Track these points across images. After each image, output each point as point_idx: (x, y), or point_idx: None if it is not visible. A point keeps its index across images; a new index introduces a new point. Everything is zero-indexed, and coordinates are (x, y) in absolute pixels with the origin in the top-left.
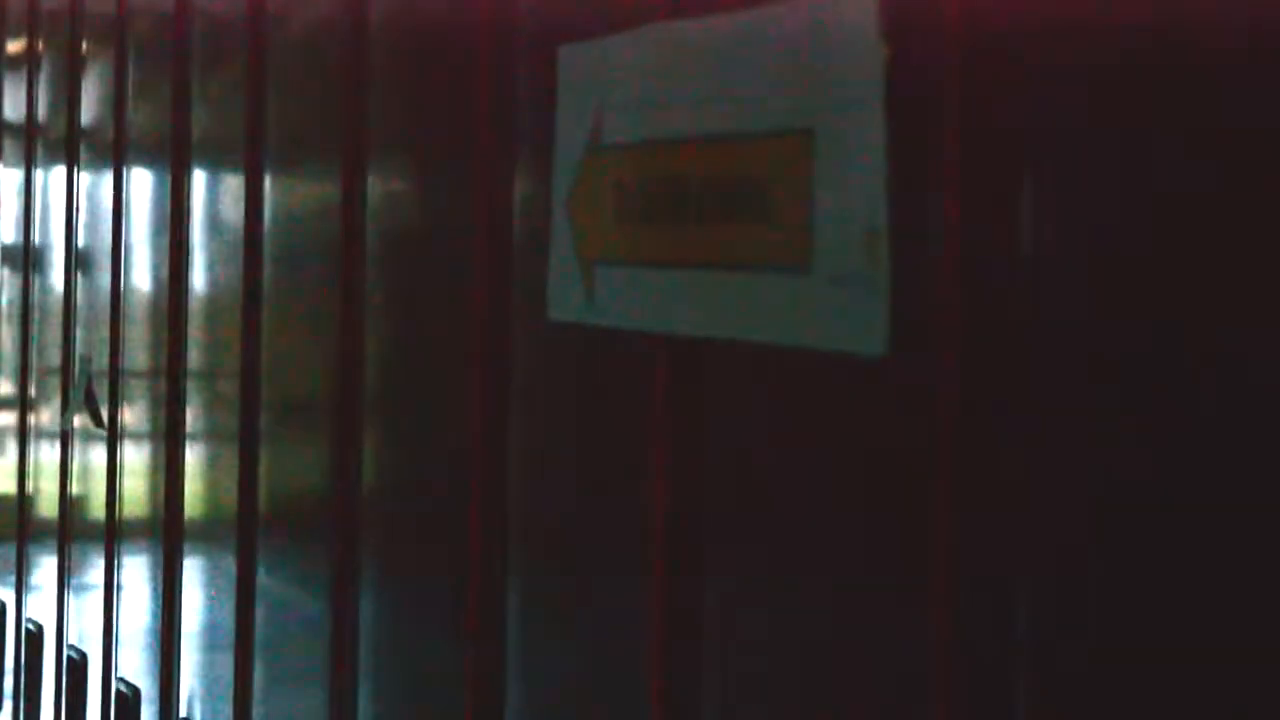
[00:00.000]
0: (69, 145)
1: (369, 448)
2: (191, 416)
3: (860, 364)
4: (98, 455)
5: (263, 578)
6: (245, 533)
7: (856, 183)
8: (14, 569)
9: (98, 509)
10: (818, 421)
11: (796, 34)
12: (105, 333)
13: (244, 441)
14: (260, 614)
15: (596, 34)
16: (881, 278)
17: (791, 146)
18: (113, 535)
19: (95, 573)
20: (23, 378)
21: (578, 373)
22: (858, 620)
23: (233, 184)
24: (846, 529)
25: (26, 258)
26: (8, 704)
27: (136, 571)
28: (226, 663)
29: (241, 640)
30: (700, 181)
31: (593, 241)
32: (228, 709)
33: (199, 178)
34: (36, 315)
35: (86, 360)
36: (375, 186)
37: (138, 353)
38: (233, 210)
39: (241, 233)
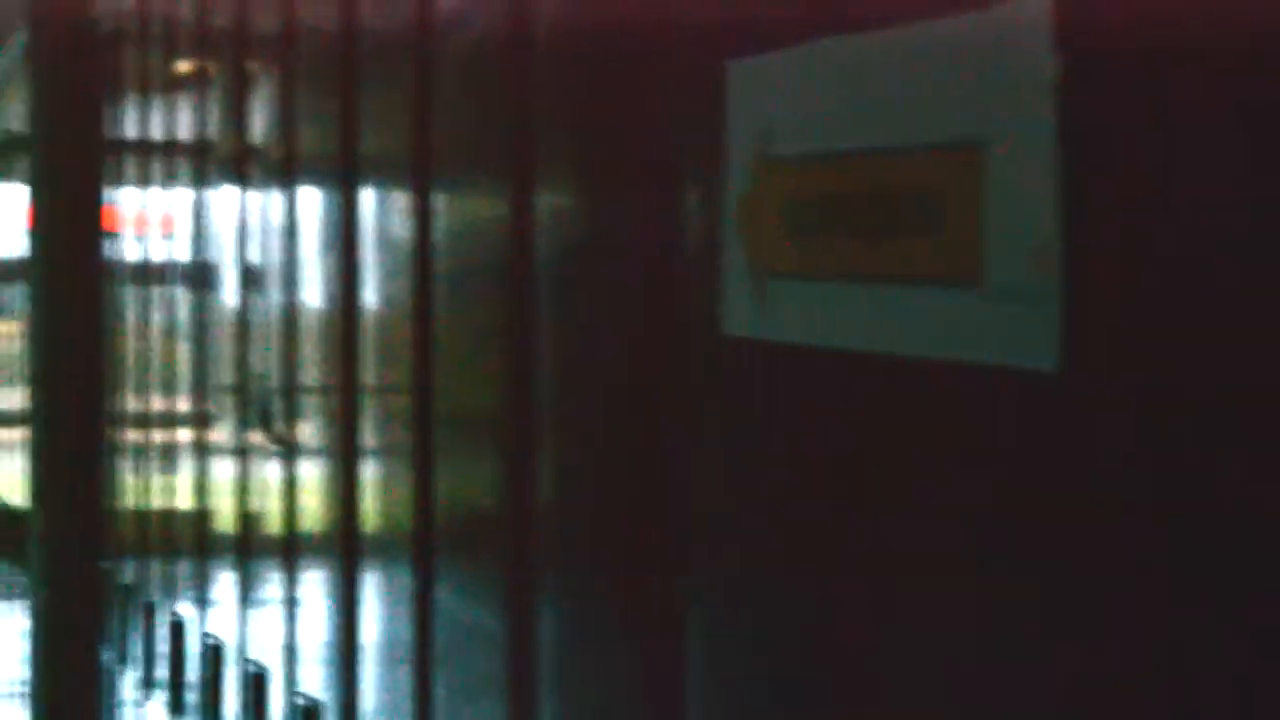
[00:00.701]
0: (239, 165)
1: (543, 462)
2: (366, 432)
3: (1031, 378)
4: (274, 471)
5: (439, 592)
6: (421, 547)
7: (1027, 194)
8: (195, 585)
9: (275, 525)
10: (987, 436)
11: (966, 46)
12: (280, 350)
13: (418, 457)
14: (437, 628)
15: (765, 49)
16: (1053, 291)
17: (961, 159)
18: (290, 551)
19: (273, 588)
20: (200, 395)
21: (750, 386)
22: (1033, 634)
23: (402, 201)
24: (1018, 544)
25: (201, 277)
26: (191, 718)
27: (314, 586)
28: (405, 676)
29: (420, 654)
30: (870, 195)
31: (764, 255)
32: None
33: (367, 195)
34: (212, 333)
35: (262, 378)
36: (544, 202)
37: (312, 370)
38: (402, 227)
39: (411, 249)
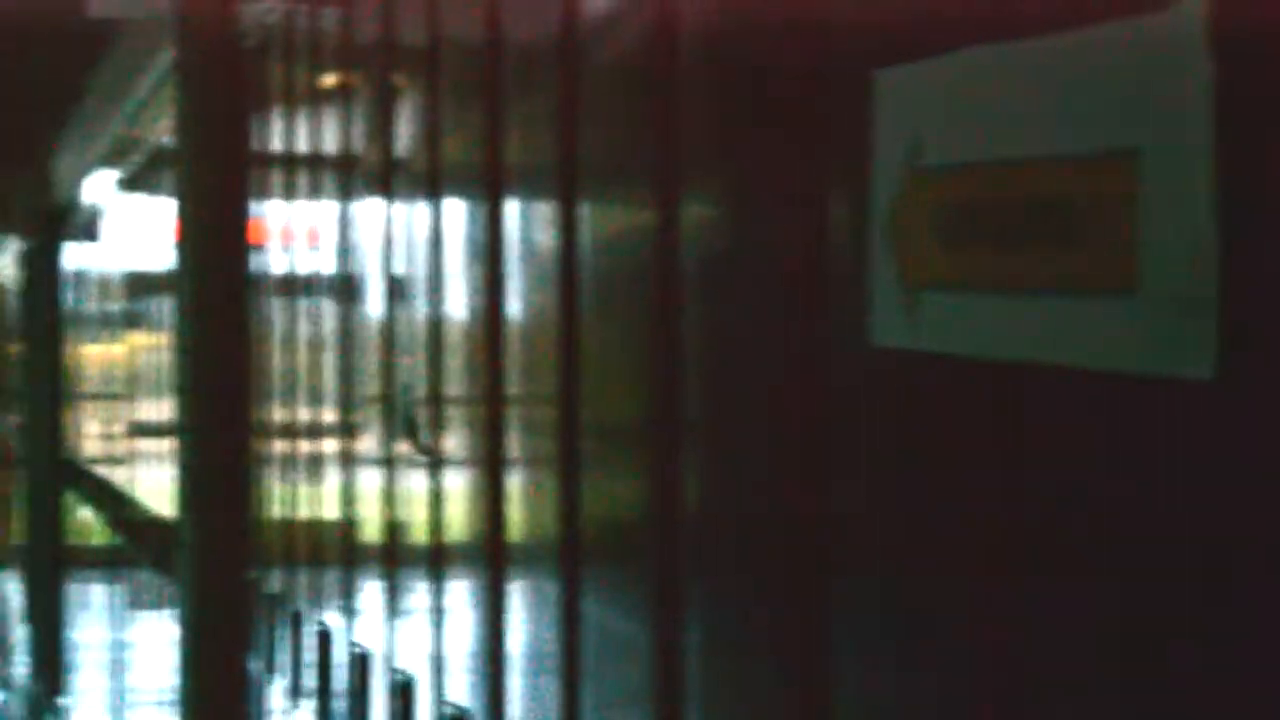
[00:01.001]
0: (384, 177)
1: (689, 471)
2: (511, 442)
3: (1187, 387)
4: (419, 482)
5: (585, 601)
6: (568, 557)
7: (1183, 201)
8: (341, 594)
9: (420, 535)
10: (1143, 446)
11: (1121, 53)
12: (425, 361)
13: (564, 466)
14: (583, 637)
15: (915, 57)
16: (1210, 299)
17: (1116, 166)
18: (436, 560)
19: (419, 597)
20: (345, 406)
21: (898, 396)
22: (1190, 643)
23: (546, 211)
24: (1175, 556)
25: (346, 289)
26: None
27: (460, 596)
28: (551, 686)
29: (567, 664)
30: (1023, 203)
31: (914, 265)
32: None
33: (512, 205)
34: (357, 345)
35: (407, 388)
36: (691, 211)
37: (457, 380)
38: (547, 237)
39: (557, 259)
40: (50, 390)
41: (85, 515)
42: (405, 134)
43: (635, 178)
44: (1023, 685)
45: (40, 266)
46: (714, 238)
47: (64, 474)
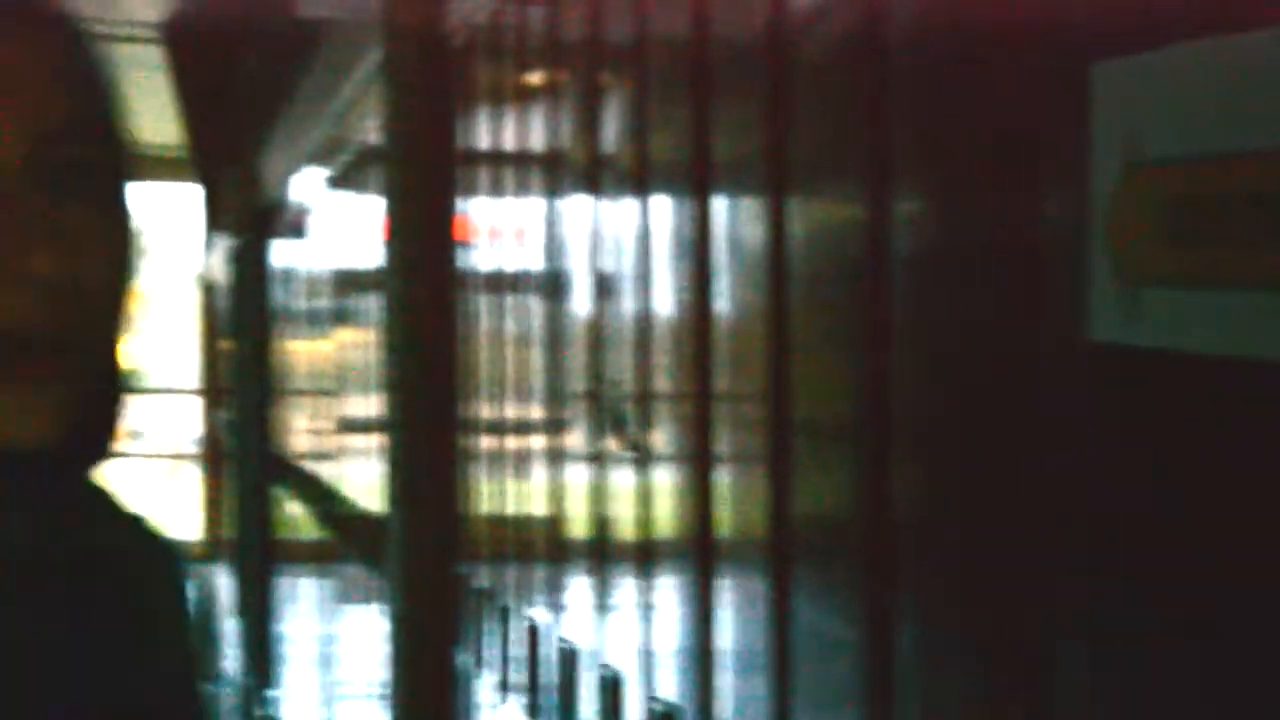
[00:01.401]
0: (591, 173)
1: (900, 469)
2: (721, 439)
3: None
4: (626, 478)
5: (794, 599)
6: (779, 555)
7: None
8: (550, 590)
9: (628, 531)
10: None
11: None
12: (633, 357)
13: (774, 465)
14: (793, 636)
15: (1133, 49)
16: None
17: None
18: (644, 557)
19: (626, 593)
20: (553, 402)
21: (1117, 393)
22: None
23: (754, 207)
24: None
25: (553, 285)
26: (546, 719)
27: (667, 593)
28: (761, 685)
29: (778, 662)
30: (1249, 199)
31: (1135, 261)
32: None
33: (720, 201)
34: (564, 341)
35: (615, 385)
36: (901, 207)
37: (664, 377)
38: (756, 232)
39: (766, 254)
40: (259, 386)
41: (294, 510)
42: (612, 130)
43: (845, 173)
44: (1257, 693)
45: (249, 264)
46: (926, 234)
47: (273, 469)
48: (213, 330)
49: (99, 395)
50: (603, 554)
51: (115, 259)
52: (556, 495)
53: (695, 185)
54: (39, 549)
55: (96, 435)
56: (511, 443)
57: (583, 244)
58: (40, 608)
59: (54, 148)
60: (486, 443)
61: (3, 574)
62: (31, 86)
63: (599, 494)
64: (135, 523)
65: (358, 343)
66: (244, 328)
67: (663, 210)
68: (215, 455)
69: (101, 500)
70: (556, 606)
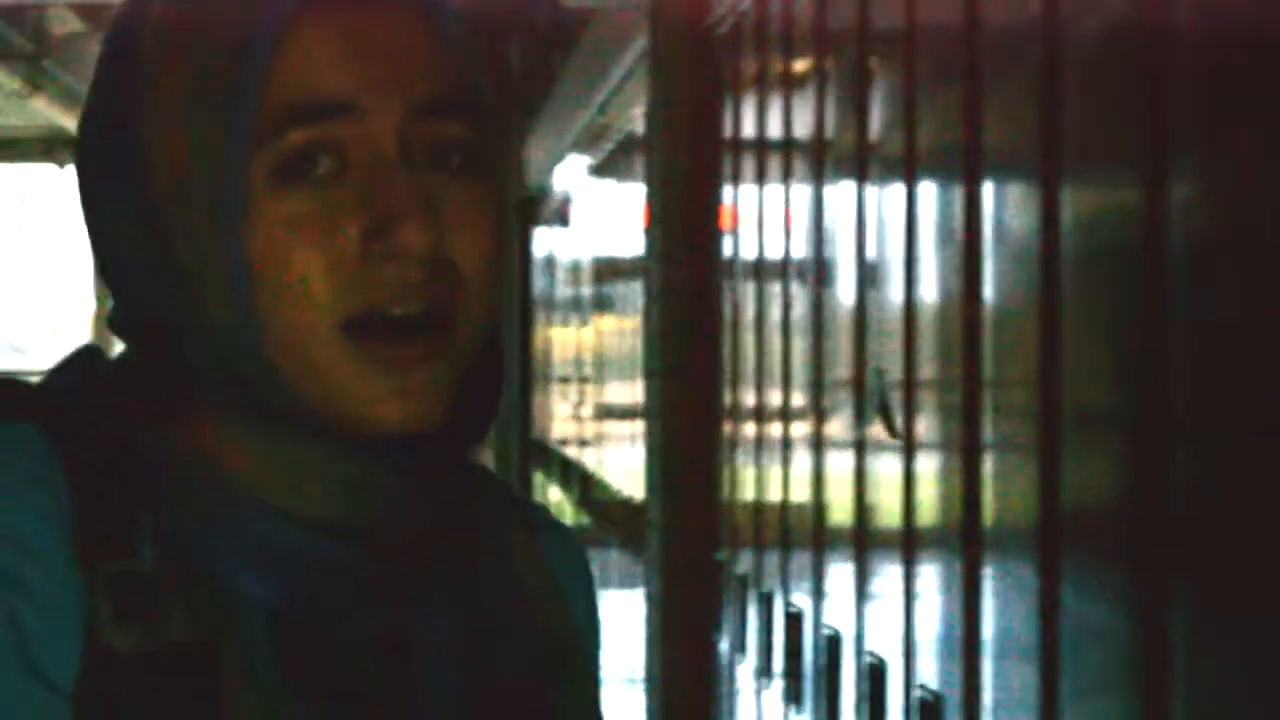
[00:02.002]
0: (857, 161)
1: (1172, 459)
2: (987, 427)
3: None
4: (889, 465)
5: (1060, 586)
6: (1046, 543)
7: None
8: (811, 576)
9: (891, 518)
10: None
11: None
12: (898, 345)
13: (1043, 453)
14: (1060, 623)
15: None
16: None
17: None
18: (909, 544)
19: (889, 580)
20: (816, 389)
21: None
22: None
23: (1024, 194)
24: None
25: (817, 272)
26: (808, 706)
27: (931, 580)
28: (1027, 672)
29: (1045, 651)
30: None
31: None
32: (1034, 718)
33: (989, 188)
34: (827, 329)
35: (880, 372)
36: (1176, 193)
37: (930, 364)
38: (1025, 220)
39: (1035, 243)
40: (521, 372)
41: (554, 495)
42: (880, 118)
43: (1118, 160)
44: None
45: (512, 252)
46: (1200, 221)
47: (533, 454)
48: None
49: (480, 373)
50: (865, 540)
51: (491, 235)
52: (818, 481)
53: (964, 172)
54: (445, 530)
55: (478, 414)
56: (773, 429)
57: (848, 231)
58: (444, 590)
59: (432, 122)
60: (748, 429)
61: (406, 556)
62: (410, 59)
63: (862, 480)
64: (534, 506)
65: (618, 330)
66: (506, 314)
67: (930, 197)
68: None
69: (494, 480)
70: (818, 593)
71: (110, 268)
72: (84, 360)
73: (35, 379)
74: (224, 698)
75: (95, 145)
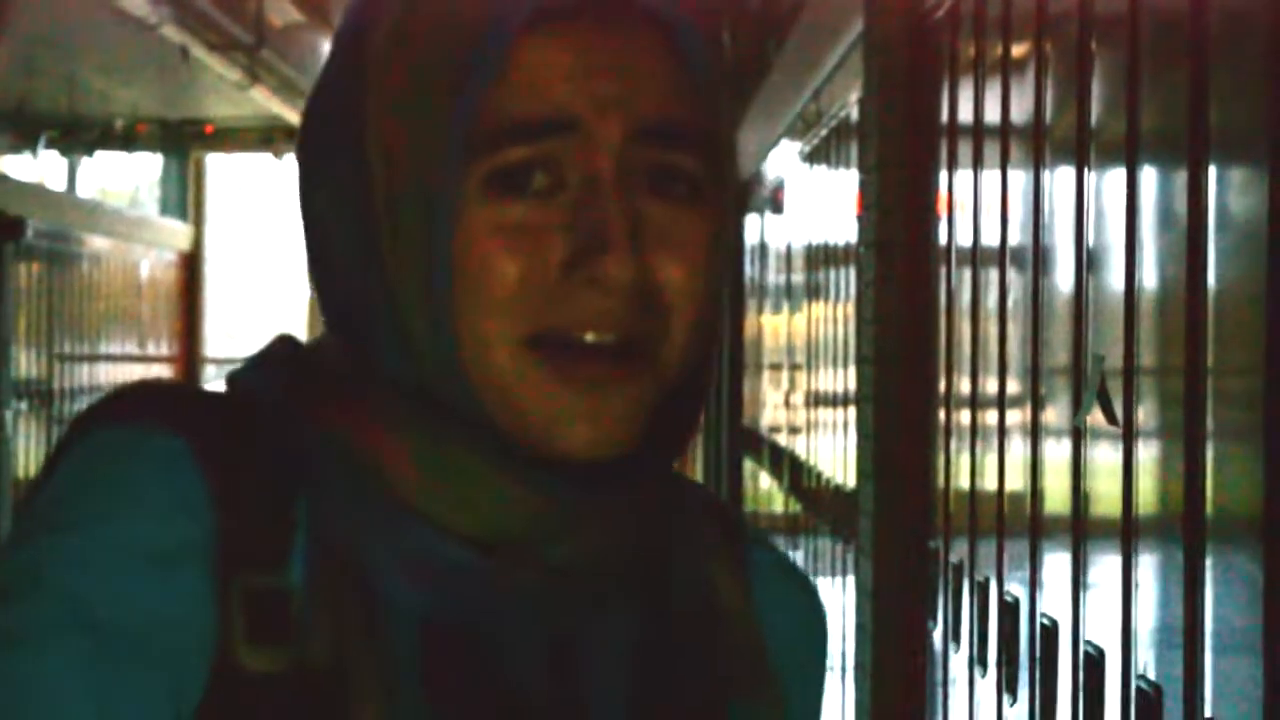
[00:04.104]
0: (1078, 145)
1: None
2: (1208, 414)
3: None
4: (1107, 453)
5: None
6: (1271, 533)
7: None
8: (1026, 565)
9: (1110, 506)
10: None
11: None
12: (1118, 331)
13: (1268, 441)
14: None
15: None
16: None
17: None
18: (1129, 533)
19: (1107, 569)
20: (1033, 376)
21: None
22: None
23: (1249, 177)
24: None
25: (1035, 258)
26: (1023, 696)
27: (1151, 569)
28: (1250, 665)
29: (1270, 643)
30: None
31: None
32: (1256, 711)
33: (1212, 172)
34: (1044, 315)
35: (1100, 358)
36: None
37: (1152, 350)
38: (1247, 204)
39: (1262, 227)
40: (731, 359)
41: (764, 482)
42: (1099, 101)
43: None
44: None
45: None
46: None
47: (743, 441)
48: None
49: (679, 399)
50: (1083, 529)
51: (706, 269)
52: (1035, 469)
53: (1190, 154)
54: (627, 547)
55: (670, 440)
56: (989, 415)
57: (1067, 215)
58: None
59: (657, 148)
60: (963, 415)
61: (577, 573)
62: (641, 80)
63: (1080, 468)
64: (748, 537)
65: (830, 316)
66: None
67: (1150, 180)
68: None
69: (700, 495)
70: (1034, 582)
71: (317, 262)
72: (274, 355)
73: (217, 379)
74: (356, 718)
75: (316, 142)
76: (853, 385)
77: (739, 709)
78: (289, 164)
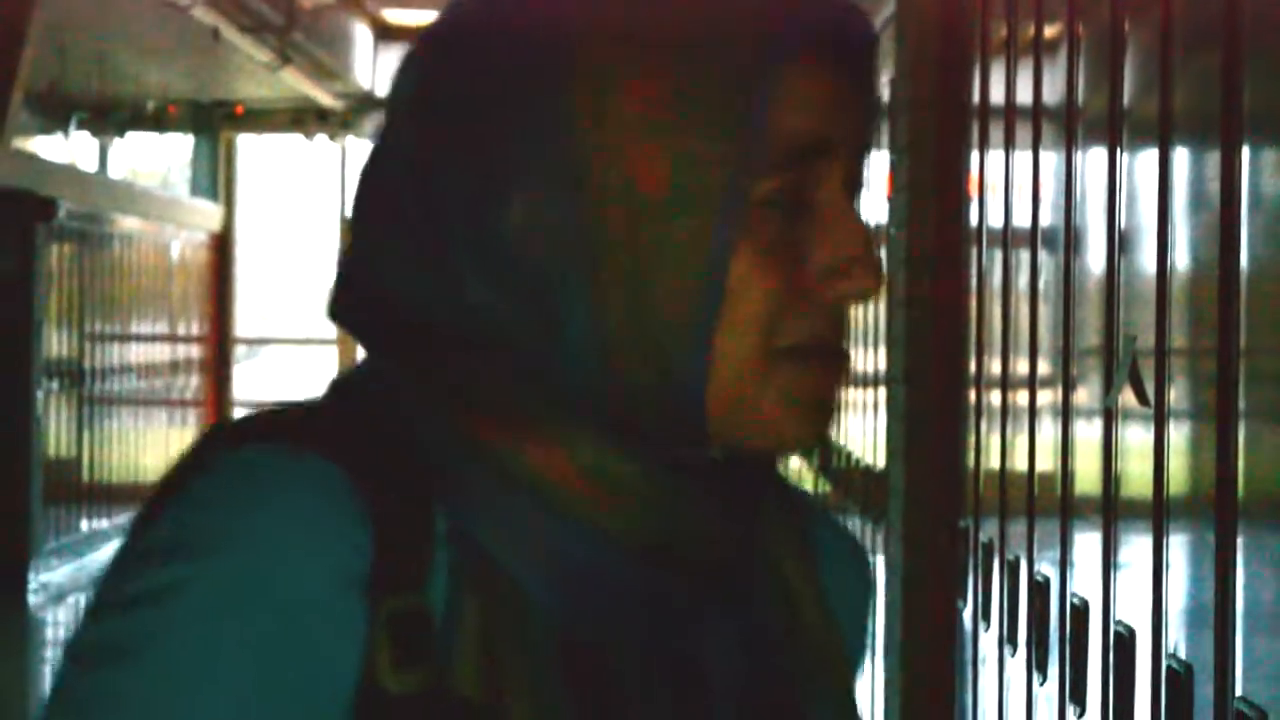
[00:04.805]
0: (1110, 126)
1: None
2: (1240, 395)
3: None
4: (1138, 434)
5: None
6: None
7: None
8: (1056, 544)
9: (1141, 486)
10: None
11: None
12: (1149, 312)
13: None
14: None
15: None
16: None
17: None
18: (1160, 513)
19: (1138, 549)
20: (1064, 357)
21: None
22: None
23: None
24: None
25: (1067, 239)
26: (1053, 675)
27: (1182, 550)
28: (1277, 645)
29: None
30: None
31: None
32: None
33: (1244, 153)
34: (1074, 296)
35: (1131, 339)
36: None
37: (1183, 331)
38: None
39: None
40: None
41: (794, 461)
42: (1132, 82)
43: None
44: None
45: None
46: None
47: None
48: None
49: None
50: (1114, 509)
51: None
52: (1066, 449)
53: (1223, 136)
54: (735, 544)
55: None
56: (1019, 396)
57: (1098, 196)
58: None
59: (859, 164)
60: (993, 396)
61: (701, 573)
62: (865, 103)
63: (1111, 448)
64: (814, 512)
65: None
66: None
67: (1183, 162)
68: None
69: (775, 484)
70: (1064, 561)
71: (395, 266)
72: (377, 368)
73: (324, 393)
74: None
75: (442, 139)
76: (883, 366)
77: (818, 705)
78: (319, 145)
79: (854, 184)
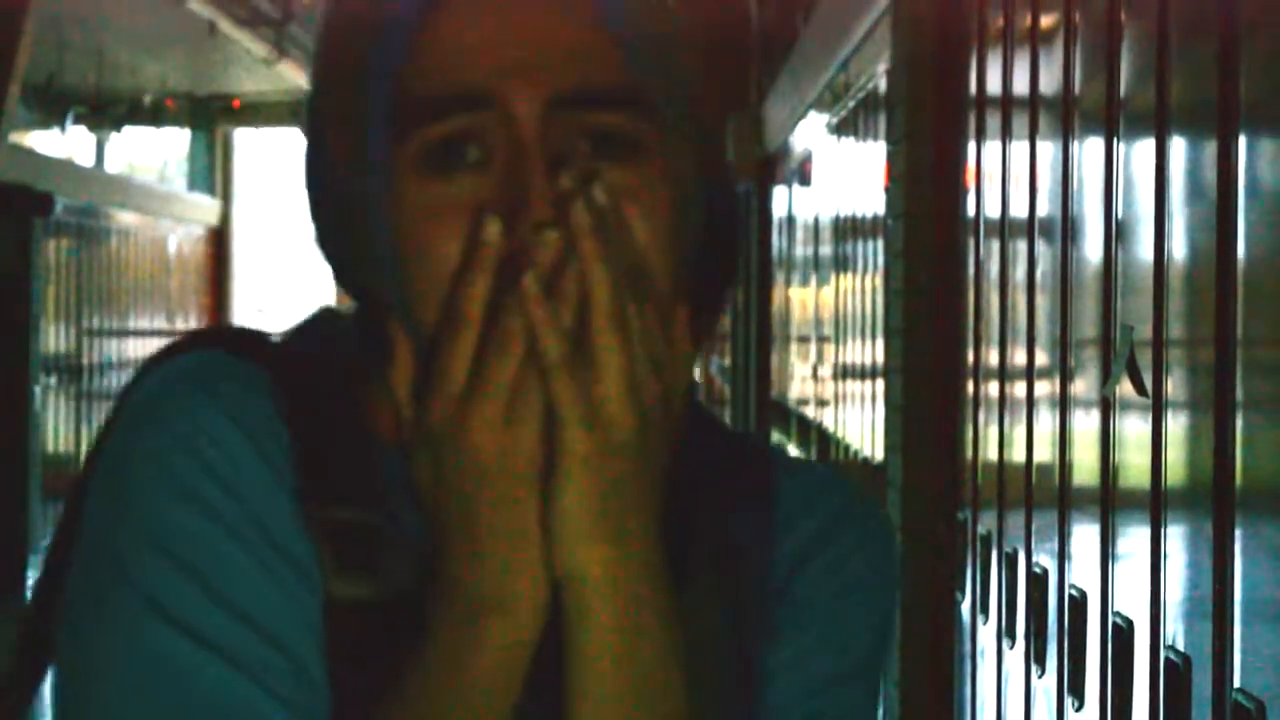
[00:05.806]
0: (1107, 117)
1: None
2: (1238, 385)
3: None
4: (1136, 424)
5: None
6: None
7: None
8: (1055, 536)
9: (1139, 477)
10: None
11: None
12: (1147, 302)
13: None
14: None
15: None
16: None
17: None
18: (1158, 504)
19: (1136, 540)
20: (1062, 348)
21: None
22: None
23: (1279, 148)
24: None
25: (1064, 229)
26: (1051, 667)
27: (1180, 540)
28: (1276, 636)
29: None
30: None
31: None
32: None
33: (1241, 143)
34: (1072, 287)
35: (1129, 329)
36: None
37: (1180, 321)
38: (1277, 174)
39: None
40: (758, 332)
41: (792, 454)
42: (1128, 72)
43: None
44: None
45: (751, 210)
46: None
47: (772, 414)
48: None
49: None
50: (1112, 500)
51: (649, 220)
52: (1063, 440)
53: (1219, 125)
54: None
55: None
56: (1016, 387)
57: (1095, 188)
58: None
59: (583, 113)
60: (990, 387)
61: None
62: (557, 47)
63: (1108, 439)
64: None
65: (858, 288)
66: (743, 273)
67: (1179, 152)
68: (709, 401)
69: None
70: (1062, 553)
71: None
72: (320, 322)
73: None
74: None
75: (307, 128)
76: (880, 357)
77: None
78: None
79: (575, 128)
